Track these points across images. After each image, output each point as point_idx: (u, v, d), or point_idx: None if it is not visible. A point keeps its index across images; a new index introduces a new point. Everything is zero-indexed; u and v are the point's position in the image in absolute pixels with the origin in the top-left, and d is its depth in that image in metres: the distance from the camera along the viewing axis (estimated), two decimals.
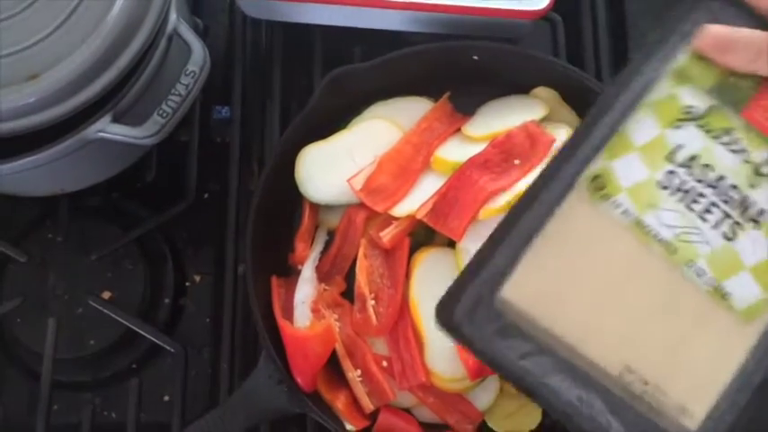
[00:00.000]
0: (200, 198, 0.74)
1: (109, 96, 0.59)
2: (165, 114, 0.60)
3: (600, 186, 0.45)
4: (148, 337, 0.68)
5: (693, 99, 0.46)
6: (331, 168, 0.65)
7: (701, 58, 0.46)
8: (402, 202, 0.64)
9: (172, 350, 0.68)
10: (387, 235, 0.63)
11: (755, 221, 0.45)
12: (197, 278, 0.73)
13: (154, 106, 0.61)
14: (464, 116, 0.69)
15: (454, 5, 0.67)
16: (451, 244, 0.63)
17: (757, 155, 0.45)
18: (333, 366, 0.62)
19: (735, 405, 0.44)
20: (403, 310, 0.62)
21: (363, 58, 0.74)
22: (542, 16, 0.69)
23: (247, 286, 0.62)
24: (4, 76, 0.56)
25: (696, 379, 0.44)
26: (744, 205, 0.45)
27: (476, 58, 0.67)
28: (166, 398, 0.69)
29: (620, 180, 0.45)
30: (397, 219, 0.64)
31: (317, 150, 0.66)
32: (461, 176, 0.62)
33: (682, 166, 0.45)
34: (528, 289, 0.44)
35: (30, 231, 0.72)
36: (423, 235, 0.65)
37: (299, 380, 0.60)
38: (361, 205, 0.65)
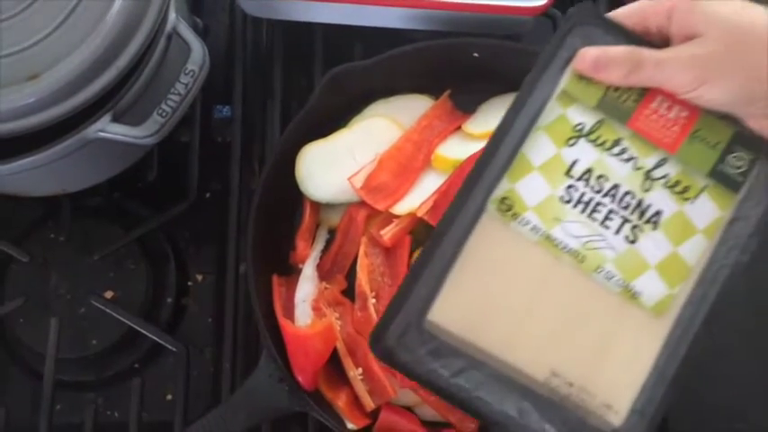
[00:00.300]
0: (202, 197, 0.73)
1: (108, 96, 0.59)
2: (164, 114, 0.60)
3: (508, 207, 0.48)
4: (151, 336, 0.68)
5: (581, 117, 0.49)
6: (331, 167, 0.65)
7: (582, 78, 0.49)
8: (403, 200, 0.64)
9: (174, 349, 0.68)
10: (388, 233, 0.63)
11: (653, 223, 0.48)
12: (199, 277, 0.73)
13: (153, 106, 0.60)
14: (465, 114, 0.69)
15: (455, 2, 0.67)
16: None
17: (647, 161, 0.49)
18: (334, 365, 0.62)
19: (653, 399, 0.47)
20: None
21: (364, 55, 0.74)
22: (543, 13, 0.69)
23: (248, 285, 0.62)
24: (4, 76, 0.56)
25: (617, 376, 0.47)
26: (640, 209, 0.48)
27: (476, 55, 0.67)
28: (169, 397, 0.69)
29: (525, 199, 0.48)
30: (397, 217, 0.64)
31: (317, 149, 0.66)
32: (462, 174, 0.62)
33: (579, 179, 0.49)
34: (453, 309, 0.48)
35: (32, 231, 0.72)
36: (423, 233, 0.65)
37: (300, 378, 0.60)
38: (362, 203, 0.65)
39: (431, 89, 0.69)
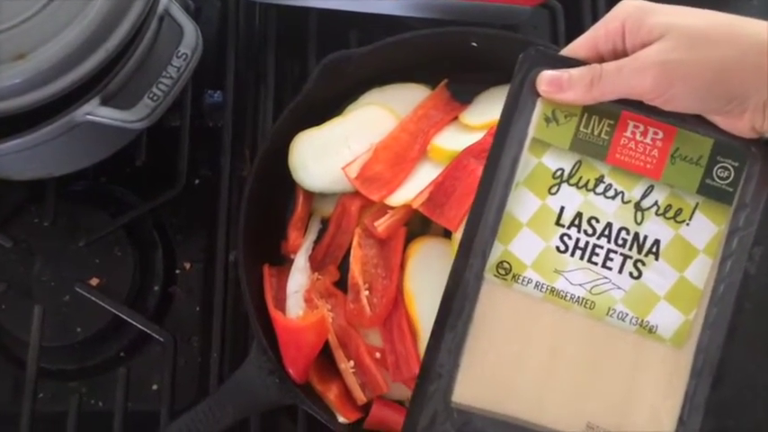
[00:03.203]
0: (191, 184, 0.72)
1: (98, 78, 0.57)
2: (155, 98, 0.59)
3: (506, 270, 0.48)
4: (137, 325, 0.67)
5: (558, 162, 0.48)
6: (325, 156, 0.64)
7: (549, 121, 0.48)
8: (398, 191, 0.63)
9: (161, 339, 0.67)
10: (382, 224, 0.62)
11: (654, 253, 0.47)
12: (187, 265, 0.72)
13: (144, 89, 0.59)
14: (462, 104, 0.68)
15: None
16: (447, 234, 0.62)
17: (633, 193, 0.48)
18: (325, 357, 0.61)
19: (692, 429, 0.47)
20: (397, 301, 0.61)
21: (359, 43, 0.73)
22: (542, 3, 0.68)
23: (239, 275, 0.61)
24: None
25: (652, 413, 0.47)
26: (638, 242, 0.47)
27: (475, 44, 0.66)
28: (155, 387, 0.68)
29: (522, 258, 0.47)
30: (392, 208, 0.63)
31: (311, 137, 0.65)
32: (458, 166, 0.61)
33: (571, 226, 0.48)
34: (476, 386, 0.47)
35: (14, 216, 0.70)
36: (418, 224, 0.64)
37: (290, 371, 0.59)
38: (356, 194, 0.63)
39: (428, 78, 0.68)
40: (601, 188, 0.48)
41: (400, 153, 0.64)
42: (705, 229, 0.47)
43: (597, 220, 0.48)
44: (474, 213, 0.48)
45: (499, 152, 0.48)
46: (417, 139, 0.65)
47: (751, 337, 0.67)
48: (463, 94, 0.68)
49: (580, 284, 0.47)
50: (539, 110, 0.48)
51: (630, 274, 0.47)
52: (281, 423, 0.66)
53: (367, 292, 0.61)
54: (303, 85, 0.65)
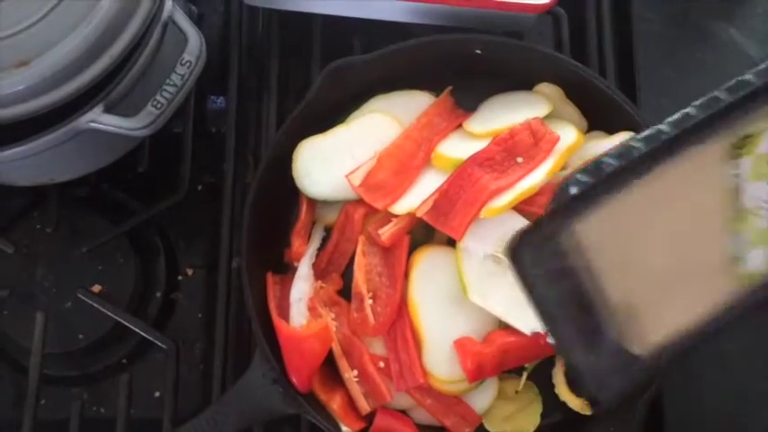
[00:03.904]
0: (194, 190, 0.72)
1: (101, 85, 0.57)
2: (159, 105, 0.59)
3: (741, 146, 0.41)
4: (139, 331, 0.67)
5: None
6: (329, 163, 0.64)
7: None
8: (402, 199, 0.63)
9: (163, 345, 0.67)
10: (386, 233, 0.62)
11: None
12: (189, 272, 0.71)
13: (148, 96, 0.59)
14: (466, 112, 0.67)
15: None
16: (452, 242, 0.62)
17: None
18: (329, 366, 0.61)
19: None
20: (401, 310, 0.61)
21: (363, 49, 0.73)
22: (546, 10, 0.68)
23: (242, 282, 0.60)
24: None
25: None
26: None
27: (479, 51, 0.66)
28: (157, 394, 0.68)
29: (758, 146, 0.41)
30: (396, 216, 0.63)
31: (315, 144, 0.64)
32: (463, 174, 0.61)
33: None
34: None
35: (17, 222, 0.70)
36: (422, 233, 0.64)
37: (294, 380, 0.58)
38: (360, 201, 0.63)
39: (432, 85, 0.68)
40: None
41: (404, 161, 0.64)
42: None
43: None
44: None
45: None
46: (421, 146, 0.65)
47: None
48: (467, 102, 0.68)
49: (758, 198, 0.43)
50: None
51: None
52: None
53: (371, 301, 0.61)
54: (306, 91, 0.64)
